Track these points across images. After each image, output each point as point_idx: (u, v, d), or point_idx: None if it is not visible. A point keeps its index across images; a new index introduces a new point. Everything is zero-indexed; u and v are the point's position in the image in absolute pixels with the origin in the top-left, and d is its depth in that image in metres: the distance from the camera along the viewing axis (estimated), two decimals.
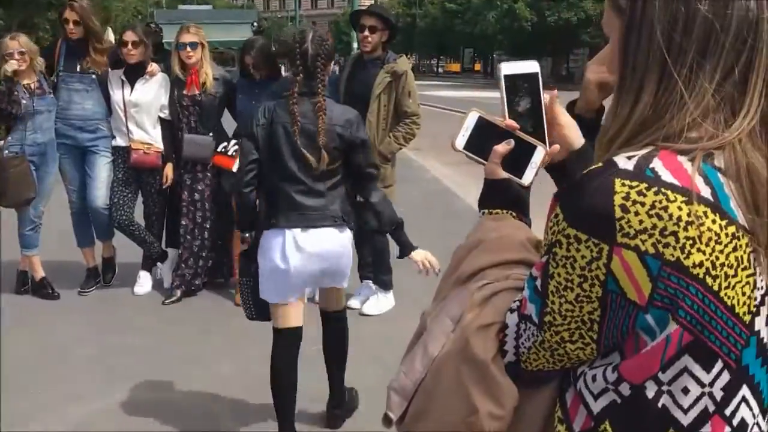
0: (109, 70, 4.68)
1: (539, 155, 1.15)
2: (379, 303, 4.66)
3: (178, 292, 4.80)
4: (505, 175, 1.16)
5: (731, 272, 0.88)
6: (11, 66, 4.37)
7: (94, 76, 4.69)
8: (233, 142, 4.75)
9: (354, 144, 2.84)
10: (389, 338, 4.14)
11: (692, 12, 0.90)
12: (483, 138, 1.17)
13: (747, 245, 0.88)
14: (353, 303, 4.73)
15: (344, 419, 3.28)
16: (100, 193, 4.72)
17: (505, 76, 1.15)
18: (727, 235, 0.87)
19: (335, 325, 3.18)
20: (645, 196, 0.86)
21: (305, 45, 2.78)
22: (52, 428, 3.19)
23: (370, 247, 4.67)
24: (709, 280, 0.87)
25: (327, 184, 2.83)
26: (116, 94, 4.69)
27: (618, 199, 0.87)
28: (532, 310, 0.99)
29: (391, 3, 64.57)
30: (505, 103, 1.15)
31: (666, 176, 0.87)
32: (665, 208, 0.85)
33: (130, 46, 4.57)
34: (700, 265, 0.86)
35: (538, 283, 0.98)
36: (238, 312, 4.58)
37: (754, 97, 0.90)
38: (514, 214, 1.17)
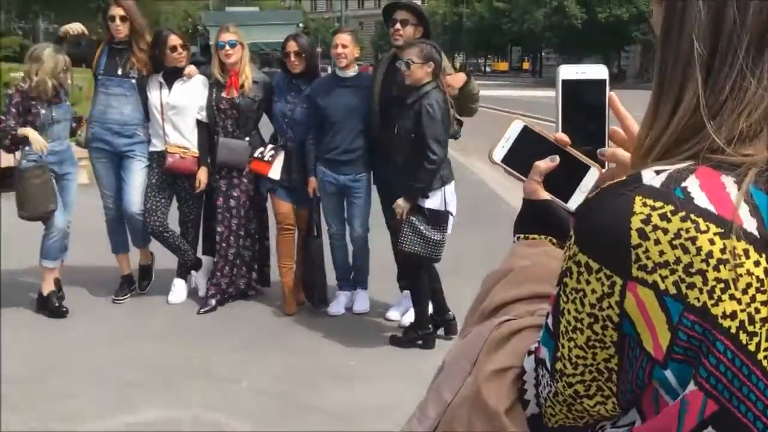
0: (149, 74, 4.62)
1: (592, 177, 0.97)
2: None
3: (213, 302, 4.68)
4: (546, 195, 0.98)
5: None
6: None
7: (133, 81, 4.61)
8: (270, 146, 4.62)
9: None
10: (426, 351, 4.00)
11: None
12: (526, 151, 0.99)
13: None
14: (392, 314, 4.57)
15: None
16: (135, 199, 4.63)
17: (563, 82, 0.97)
18: None
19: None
20: (669, 221, 0.67)
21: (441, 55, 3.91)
22: None
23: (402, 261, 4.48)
24: (743, 337, 0.67)
25: None
26: (153, 97, 4.61)
27: (636, 222, 0.68)
28: (546, 354, 0.81)
29: (437, 2, 64.40)
30: (560, 113, 0.98)
31: (700, 199, 0.68)
32: (693, 240, 0.67)
33: (180, 50, 4.53)
34: (733, 316, 0.66)
35: (550, 321, 0.80)
36: (273, 324, 4.51)
37: None
38: (554, 241, 1.00)
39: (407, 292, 4.59)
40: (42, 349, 4.08)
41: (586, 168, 0.97)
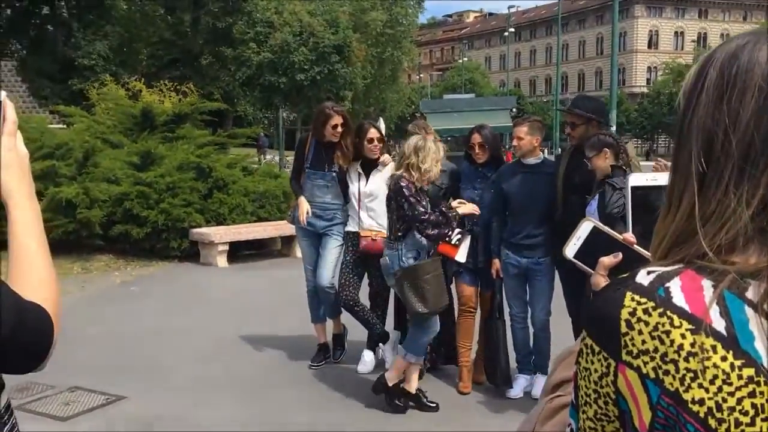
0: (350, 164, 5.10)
1: None
2: None
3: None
4: None
5: (745, 420, 0.74)
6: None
7: (334, 174, 5.10)
8: (456, 231, 4.83)
9: None
10: None
11: (733, 120, 0.80)
12: (595, 248, 1.11)
13: None
14: None
15: None
16: (327, 273, 5.06)
17: (633, 188, 1.10)
18: (740, 377, 0.74)
19: None
20: (650, 315, 0.78)
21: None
22: None
23: None
24: (711, 422, 0.74)
25: None
26: (353, 186, 5.08)
27: (624, 314, 0.80)
28: (573, 425, 0.92)
29: (664, 82, 62.10)
30: (630, 216, 1.10)
31: (678, 298, 0.78)
32: (667, 333, 0.77)
33: (377, 142, 5.00)
34: (701, 402, 0.75)
35: (573, 395, 0.91)
36: (450, 401, 4.63)
37: None
38: None
39: None
40: (234, 405, 4.58)
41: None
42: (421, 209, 4.19)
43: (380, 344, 5.23)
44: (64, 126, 15.04)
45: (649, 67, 75.19)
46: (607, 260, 1.07)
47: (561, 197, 4.41)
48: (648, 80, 73.34)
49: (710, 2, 75.58)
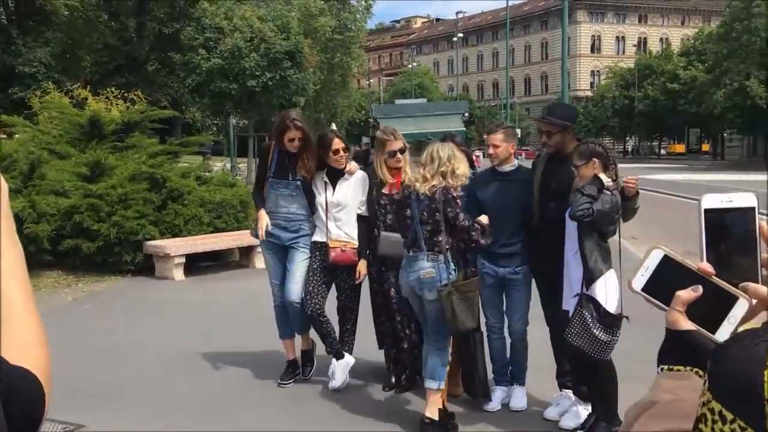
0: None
1: (741, 308, 0.92)
2: (579, 415, 4.26)
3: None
4: (690, 325, 0.94)
5: None
6: None
7: (299, 182, 4.90)
8: None
9: None
10: None
11: None
12: (668, 280, 0.97)
13: None
14: (550, 413, 4.40)
15: None
16: (295, 287, 4.85)
17: (707, 211, 0.95)
18: None
19: None
20: None
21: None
22: None
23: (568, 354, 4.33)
24: None
25: None
26: (320, 197, 4.88)
27: None
28: None
29: (607, 85, 63.48)
30: (704, 242, 0.95)
31: None
32: None
33: (342, 152, 4.81)
34: None
35: None
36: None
37: None
38: (700, 373, 0.94)
39: (567, 392, 4.41)
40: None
41: (735, 298, 0.93)
42: (469, 219, 4.07)
43: (333, 360, 4.95)
44: (6, 137, 14.43)
45: (592, 71, 76.78)
46: (686, 294, 0.93)
47: (537, 204, 4.34)
48: (591, 84, 74.88)
49: (650, 7, 77.71)
